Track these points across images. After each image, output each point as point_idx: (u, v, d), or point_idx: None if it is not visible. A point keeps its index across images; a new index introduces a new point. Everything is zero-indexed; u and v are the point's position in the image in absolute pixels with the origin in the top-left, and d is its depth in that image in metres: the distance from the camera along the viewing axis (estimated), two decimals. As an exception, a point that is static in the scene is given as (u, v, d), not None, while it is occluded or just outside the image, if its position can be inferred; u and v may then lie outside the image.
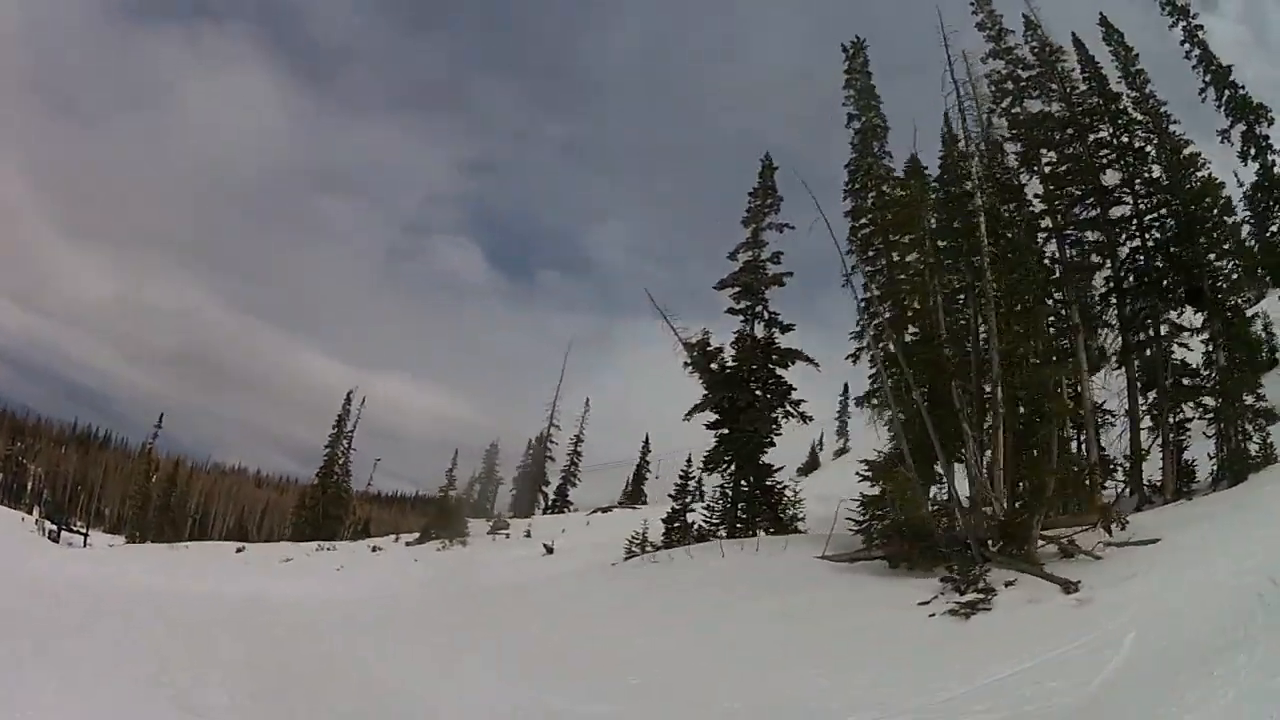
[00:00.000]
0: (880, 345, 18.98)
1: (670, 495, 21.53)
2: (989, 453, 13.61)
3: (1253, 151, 19.60)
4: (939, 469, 15.11)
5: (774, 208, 23.94)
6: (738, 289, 23.63)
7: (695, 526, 20.60)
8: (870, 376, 20.02)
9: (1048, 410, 13.61)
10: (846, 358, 20.18)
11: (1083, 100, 20.82)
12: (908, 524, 13.53)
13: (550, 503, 40.67)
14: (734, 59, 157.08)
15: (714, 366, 23.72)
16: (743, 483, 20.94)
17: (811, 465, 47.20)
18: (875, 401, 18.80)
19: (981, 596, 11.13)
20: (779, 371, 22.03)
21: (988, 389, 14.28)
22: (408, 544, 26.32)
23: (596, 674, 9.97)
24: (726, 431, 22.19)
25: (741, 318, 23.37)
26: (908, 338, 17.80)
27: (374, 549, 25.52)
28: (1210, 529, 12.29)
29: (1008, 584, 11.46)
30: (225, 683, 8.87)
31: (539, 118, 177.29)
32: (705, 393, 23.49)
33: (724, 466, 21.65)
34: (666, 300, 26.02)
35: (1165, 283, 17.97)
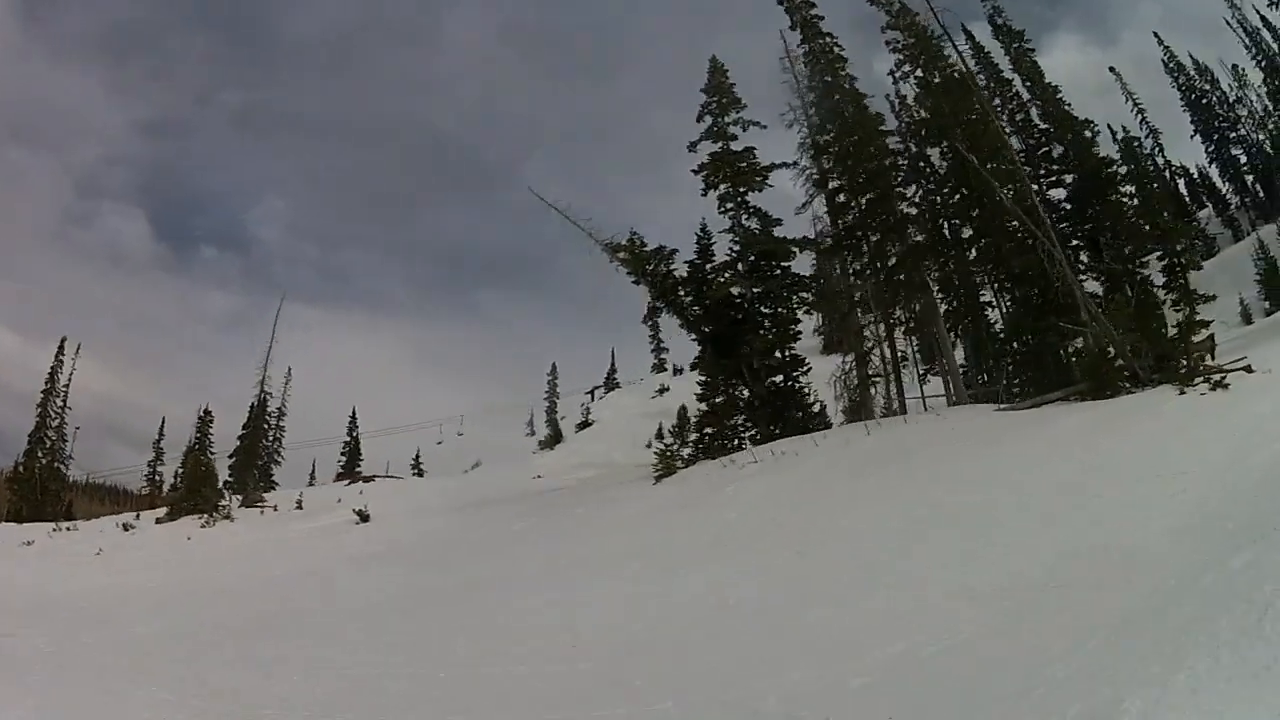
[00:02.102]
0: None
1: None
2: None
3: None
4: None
5: (731, 105, 21.81)
6: (717, 182, 20.77)
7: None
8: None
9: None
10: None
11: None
12: (1114, 358, 13.20)
13: (257, 480, 29.52)
14: (421, 43, 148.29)
15: (663, 269, 20.36)
16: (770, 380, 17.72)
17: (555, 439, 44.69)
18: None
19: (1210, 386, 11.30)
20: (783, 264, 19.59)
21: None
22: (158, 520, 21.48)
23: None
24: (709, 331, 18.88)
25: (720, 209, 20.53)
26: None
27: (126, 527, 20.94)
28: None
29: (1198, 381, 11.75)
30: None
31: (221, 80, 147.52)
32: (652, 298, 20.19)
33: (729, 369, 18.11)
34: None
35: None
